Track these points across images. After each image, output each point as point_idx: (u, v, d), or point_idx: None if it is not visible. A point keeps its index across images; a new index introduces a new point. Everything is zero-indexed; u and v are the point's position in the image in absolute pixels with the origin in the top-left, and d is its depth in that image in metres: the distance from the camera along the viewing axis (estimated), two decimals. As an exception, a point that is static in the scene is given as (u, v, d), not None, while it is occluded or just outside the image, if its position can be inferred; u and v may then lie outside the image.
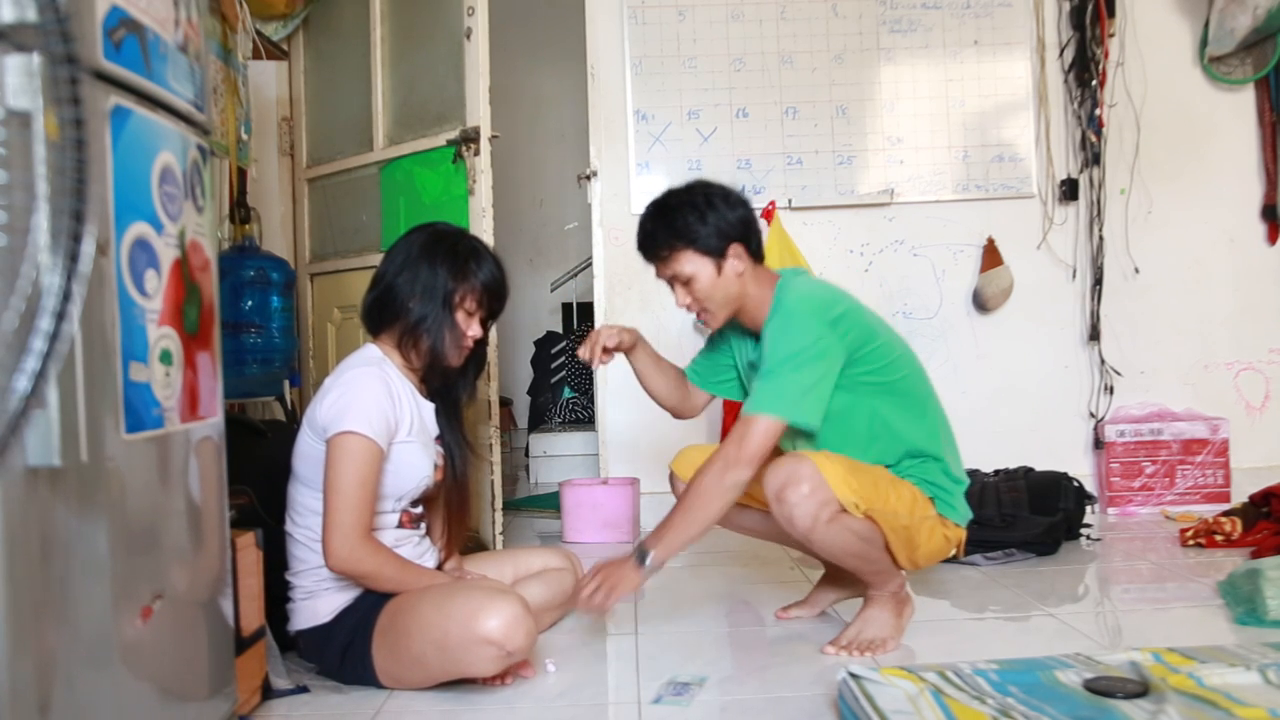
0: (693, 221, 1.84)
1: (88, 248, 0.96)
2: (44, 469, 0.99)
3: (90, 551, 1.10)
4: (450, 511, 1.95)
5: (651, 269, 1.95)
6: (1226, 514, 2.75)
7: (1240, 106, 3.36)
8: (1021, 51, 3.31)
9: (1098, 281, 3.29)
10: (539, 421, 4.88)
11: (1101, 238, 3.29)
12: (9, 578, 0.95)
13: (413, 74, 2.90)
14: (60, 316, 0.93)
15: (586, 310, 4.47)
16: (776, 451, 1.83)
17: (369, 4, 2.99)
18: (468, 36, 2.65)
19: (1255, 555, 2.46)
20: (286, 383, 2.82)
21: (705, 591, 2.41)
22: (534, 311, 5.81)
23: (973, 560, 2.57)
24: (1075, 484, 2.85)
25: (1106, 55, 3.26)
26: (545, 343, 5.08)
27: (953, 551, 1.98)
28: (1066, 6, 3.31)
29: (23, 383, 0.91)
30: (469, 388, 1.96)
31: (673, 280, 1.90)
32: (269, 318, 2.58)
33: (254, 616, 1.67)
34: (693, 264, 1.85)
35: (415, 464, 1.80)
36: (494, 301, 1.88)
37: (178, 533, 1.32)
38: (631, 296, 3.25)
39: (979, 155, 3.31)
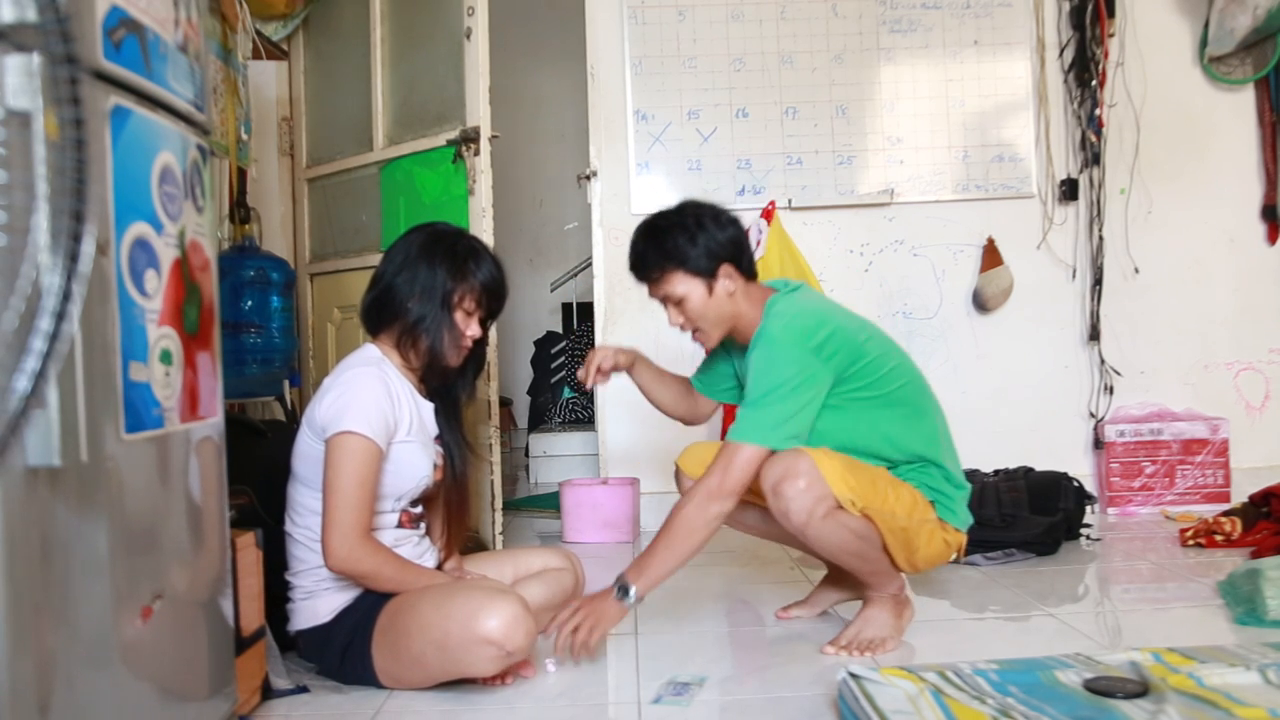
0: (683, 243, 1.85)
1: (88, 248, 0.96)
2: (44, 469, 0.99)
3: (90, 551, 1.10)
4: (450, 511, 1.95)
5: None
6: (1226, 514, 2.74)
7: (1240, 106, 3.36)
8: (1021, 51, 3.31)
9: (1098, 281, 3.29)
10: (539, 421, 4.88)
11: (1101, 238, 3.29)
12: (9, 578, 0.95)
13: (413, 74, 2.90)
14: (60, 316, 0.93)
15: (586, 310, 4.46)
16: None
17: (369, 4, 2.99)
18: (468, 36, 2.65)
19: (1255, 555, 2.46)
20: (286, 383, 2.82)
21: (705, 591, 2.41)
22: (534, 311, 5.81)
23: (973, 560, 2.57)
24: (1075, 484, 2.85)
25: (1106, 55, 3.26)
26: (545, 343, 5.08)
27: (953, 556, 1.99)
28: (1066, 6, 3.31)
29: (23, 383, 0.91)
30: (468, 387, 1.96)
31: (665, 301, 1.92)
32: (269, 318, 2.58)
33: (254, 616, 1.67)
34: (684, 285, 1.87)
35: (414, 464, 1.80)
36: (493, 301, 1.88)
37: (178, 533, 1.33)
38: (631, 297, 3.25)
39: (979, 155, 3.31)
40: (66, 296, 0.94)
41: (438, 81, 2.79)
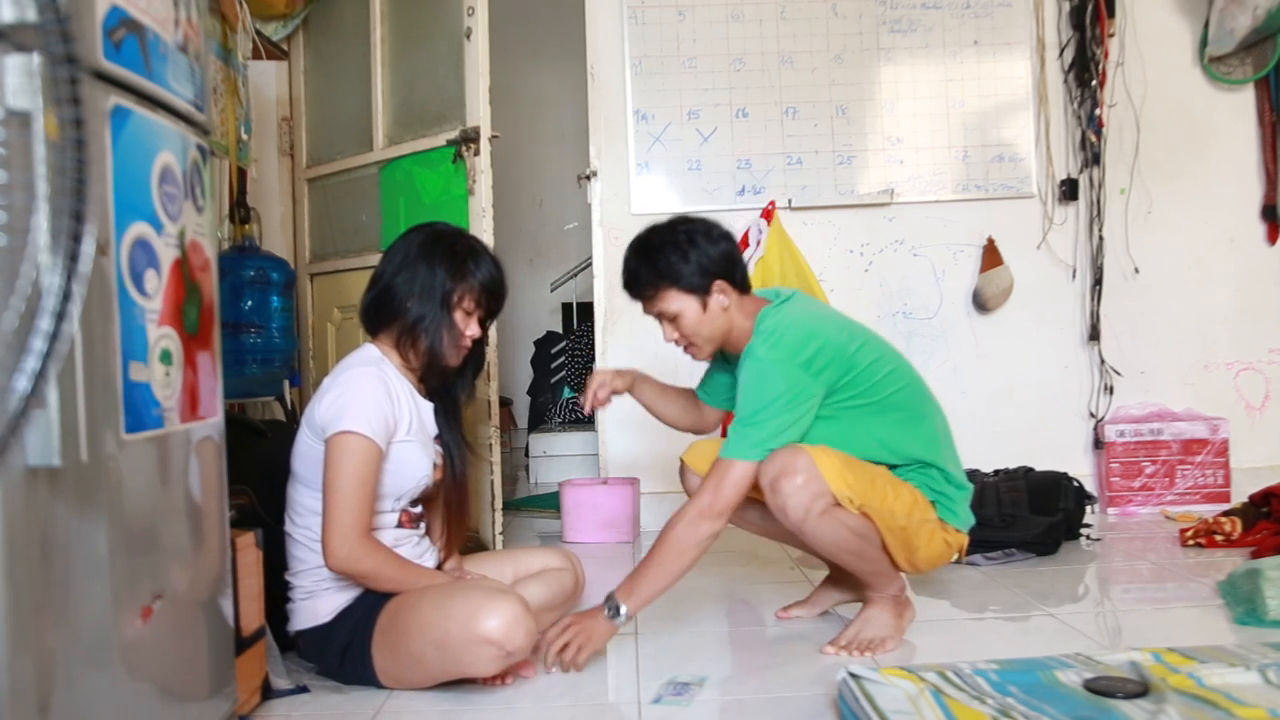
0: (675, 261, 1.86)
1: (88, 248, 0.96)
2: (44, 469, 0.99)
3: (90, 551, 1.10)
4: (449, 511, 1.95)
5: None
6: (1226, 514, 2.74)
7: (1240, 106, 3.36)
8: (1021, 51, 3.31)
9: (1098, 281, 3.29)
10: (539, 421, 4.88)
11: (1101, 238, 3.29)
12: (9, 578, 0.95)
13: (413, 74, 2.90)
14: (60, 316, 0.93)
15: (586, 310, 4.47)
16: None
17: (369, 4, 2.99)
18: (468, 36, 2.65)
19: (1255, 555, 2.46)
20: (286, 383, 2.82)
21: (705, 591, 2.41)
22: (534, 311, 5.81)
23: (973, 560, 2.57)
24: (1075, 484, 2.85)
25: (1106, 55, 3.26)
26: (545, 343, 5.08)
27: (955, 557, 1.99)
28: (1066, 6, 3.31)
29: (23, 383, 0.91)
30: (467, 387, 1.96)
31: (659, 317, 1.93)
32: (269, 318, 2.58)
33: (254, 616, 1.67)
34: (678, 302, 1.88)
35: (414, 463, 1.80)
36: (492, 301, 1.88)
37: (178, 533, 1.33)
38: (631, 296, 3.25)
39: (979, 155, 3.31)
40: (66, 296, 0.94)
41: (438, 81, 2.79)
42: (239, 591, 1.57)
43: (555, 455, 4.41)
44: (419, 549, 1.87)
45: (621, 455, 3.30)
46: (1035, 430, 3.30)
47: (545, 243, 5.96)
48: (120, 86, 1.17)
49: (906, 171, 3.30)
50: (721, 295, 1.88)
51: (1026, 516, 2.72)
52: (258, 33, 2.94)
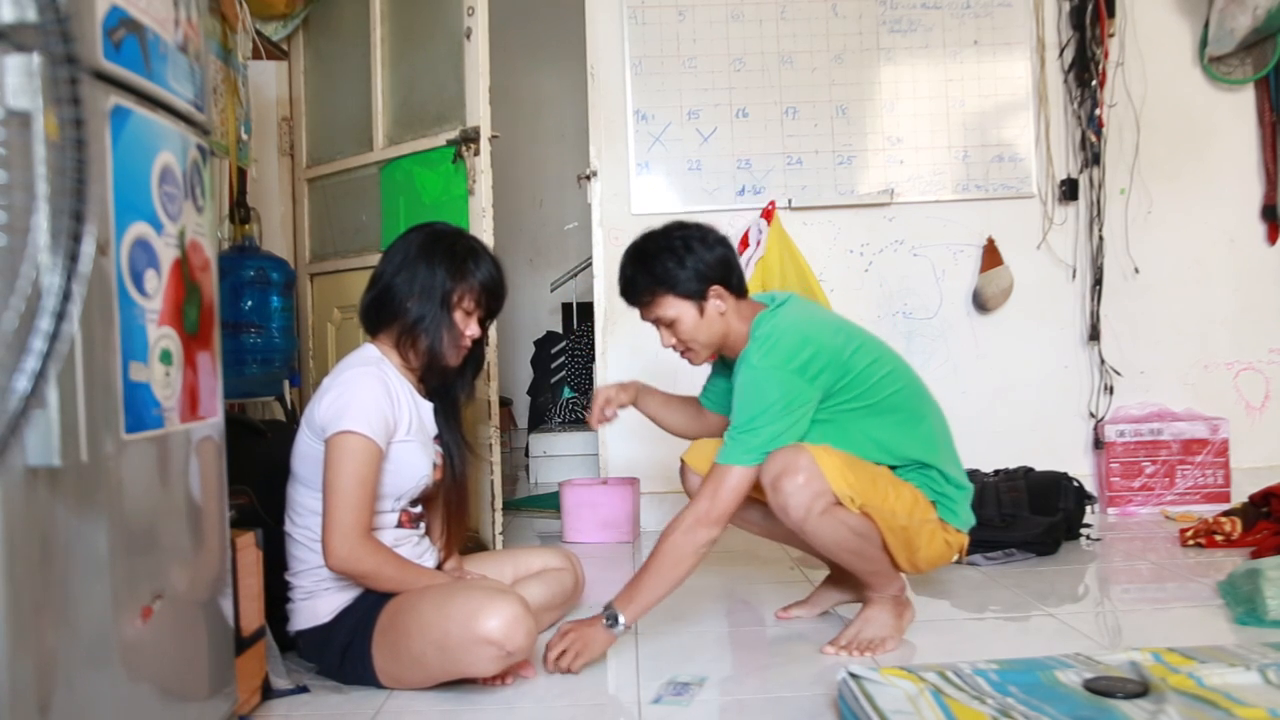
0: (671, 267, 1.86)
1: (88, 248, 0.96)
2: (44, 469, 0.99)
3: (90, 551, 1.10)
4: (449, 511, 1.95)
5: None
6: (1226, 514, 2.74)
7: (1240, 106, 3.36)
8: (1021, 51, 3.31)
9: (1097, 281, 3.29)
10: (539, 421, 4.88)
11: (1101, 238, 3.29)
12: (9, 578, 0.95)
13: (413, 74, 2.90)
14: (60, 316, 0.93)
15: (586, 310, 4.47)
16: None
17: (369, 4, 2.99)
18: (468, 36, 2.65)
19: (1255, 555, 2.46)
20: (286, 383, 2.82)
21: (705, 591, 2.41)
22: (534, 311, 5.81)
23: (973, 560, 2.57)
24: (1075, 484, 2.85)
25: (1106, 55, 3.26)
26: (545, 343, 5.08)
27: (955, 557, 1.99)
28: (1066, 6, 3.31)
29: (23, 383, 0.91)
30: (467, 387, 1.96)
31: (656, 323, 1.93)
32: (269, 318, 2.59)
33: (254, 616, 1.67)
34: (675, 308, 1.88)
35: (414, 463, 1.80)
36: (492, 301, 1.88)
37: (178, 533, 1.33)
38: (631, 296, 3.25)
39: (979, 155, 3.31)
40: (66, 296, 0.94)
41: (438, 81, 2.79)
42: (239, 591, 1.57)
43: (555, 455, 4.41)
44: (419, 549, 1.87)
45: (621, 455, 3.30)
46: (1035, 430, 3.30)
47: (545, 243, 5.96)
48: (120, 86, 1.17)
49: (906, 171, 3.30)
50: (718, 300, 1.88)
51: (1026, 516, 2.72)
52: (258, 33, 2.94)
